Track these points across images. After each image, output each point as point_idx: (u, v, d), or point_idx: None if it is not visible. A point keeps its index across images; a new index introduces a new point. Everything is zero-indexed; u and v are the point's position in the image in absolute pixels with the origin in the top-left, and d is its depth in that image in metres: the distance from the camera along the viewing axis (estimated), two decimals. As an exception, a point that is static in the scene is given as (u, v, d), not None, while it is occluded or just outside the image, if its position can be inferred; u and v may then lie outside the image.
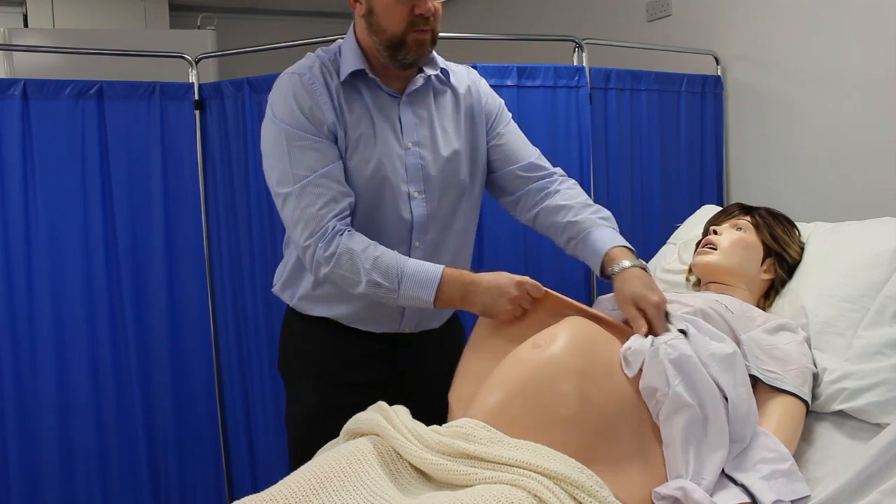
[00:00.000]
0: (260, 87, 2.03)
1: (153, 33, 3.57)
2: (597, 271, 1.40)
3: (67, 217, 1.98)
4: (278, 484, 1.03)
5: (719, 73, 2.45)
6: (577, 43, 2.19)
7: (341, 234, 1.29)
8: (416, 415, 1.22)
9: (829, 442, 1.33)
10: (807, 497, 1.17)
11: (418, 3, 1.28)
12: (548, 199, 1.48)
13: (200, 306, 2.13)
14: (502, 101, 1.55)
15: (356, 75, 1.35)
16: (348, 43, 1.38)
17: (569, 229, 1.44)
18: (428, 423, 1.20)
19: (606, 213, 1.48)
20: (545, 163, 1.53)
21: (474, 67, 2.02)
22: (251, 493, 1.01)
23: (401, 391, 1.44)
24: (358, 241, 1.30)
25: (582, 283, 2.22)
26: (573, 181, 1.54)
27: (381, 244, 1.31)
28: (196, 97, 2.09)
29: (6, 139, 1.91)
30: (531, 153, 1.51)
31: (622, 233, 1.46)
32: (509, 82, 2.07)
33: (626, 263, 1.33)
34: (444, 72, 1.44)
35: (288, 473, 1.21)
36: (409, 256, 1.36)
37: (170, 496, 2.10)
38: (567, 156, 2.16)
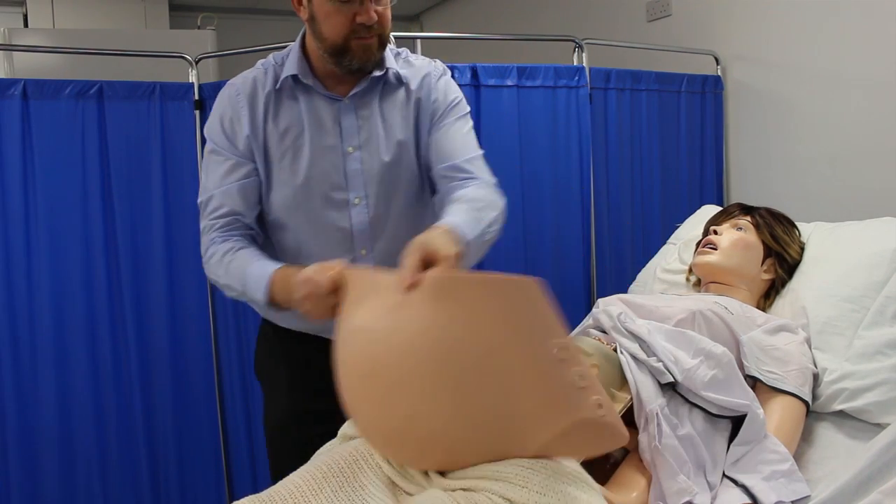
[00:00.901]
0: (260, 87, 2.03)
1: (153, 33, 3.57)
2: None
3: (67, 217, 1.98)
4: (278, 484, 1.03)
5: (719, 73, 2.45)
6: (577, 43, 2.19)
7: (216, 243, 1.29)
8: None
9: (830, 442, 1.33)
10: (807, 497, 1.17)
11: (360, 10, 1.21)
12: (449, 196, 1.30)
13: (200, 306, 2.13)
14: (457, 98, 1.40)
15: (296, 80, 1.31)
16: (294, 46, 1.33)
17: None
18: None
19: (484, 202, 1.26)
20: (476, 168, 1.34)
21: (474, 68, 2.05)
22: (251, 494, 1.01)
23: None
24: (224, 248, 1.28)
25: (581, 286, 2.22)
26: (495, 188, 1.33)
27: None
28: (196, 97, 2.08)
29: (6, 139, 1.91)
30: (460, 154, 1.34)
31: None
32: (509, 82, 2.07)
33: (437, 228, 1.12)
34: (396, 73, 1.35)
35: (270, 476, 1.19)
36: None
37: (170, 496, 2.10)
38: (567, 156, 2.16)
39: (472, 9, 3.93)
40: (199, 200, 1.34)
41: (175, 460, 2.10)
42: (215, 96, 2.06)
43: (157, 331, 2.07)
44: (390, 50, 1.36)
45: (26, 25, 3.54)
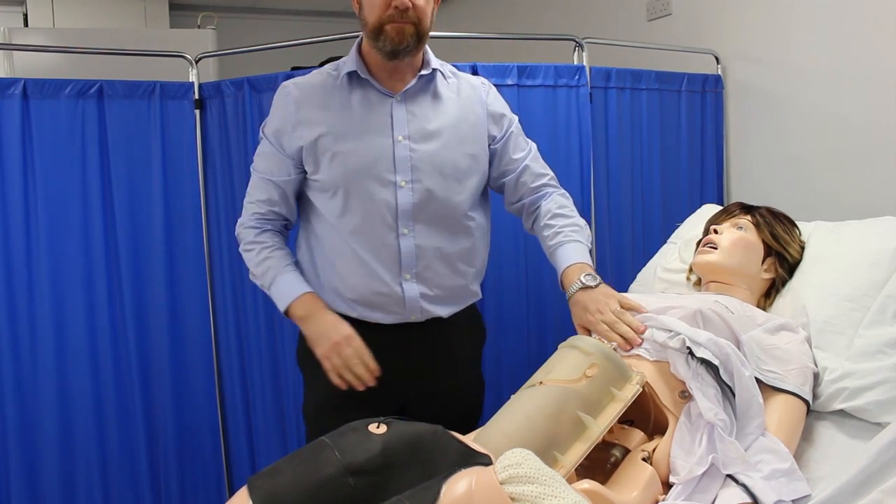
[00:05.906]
0: (260, 87, 2.03)
1: (153, 32, 3.57)
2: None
3: (67, 217, 1.98)
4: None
5: (720, 72, 2.45)
6: (577, 42, 2.18)
7: (257, 230, 1.51)
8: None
9: (830, 441, 1.33)
10: (807, 496, 1.17)
11: None
12: (534, 212, 1.60)
13: (200, 306, 2.13)
14: (507, 114, 1.60)
15: (352, 76, 1.47)
16: (353, 46, 1.49)
17: (543, 242, 1.57)
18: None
19: (570, 222, 1.55)
20: (537, 170, 1.60)
21: (474, 67, 2.05)
22: (252, 493, 1.01)
23: (413, 379, 1.52)
24: (263, 240, 1.50)
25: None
26: (559, 192, 1.61)
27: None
28: (196, 96, 2.08)
29: (6, 139, 1.91)
30: (519, 163, 1.58)
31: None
32: (509, 82, 2.07)
33: (572, 289, 1.44)
34: (442, 73, 1.52)
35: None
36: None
37: (170, 496, 2.10)
38: (567, 155, 2.16)
39: (472, 8, 3.93)
40: (252, 170, 1.53)
41: (175, 460, 2.10)
42: (215, 96, 2.09)
43: (157, 330, 2.08)
44: (441, 65, 1.53)
45: (26, 25, 3.55)
